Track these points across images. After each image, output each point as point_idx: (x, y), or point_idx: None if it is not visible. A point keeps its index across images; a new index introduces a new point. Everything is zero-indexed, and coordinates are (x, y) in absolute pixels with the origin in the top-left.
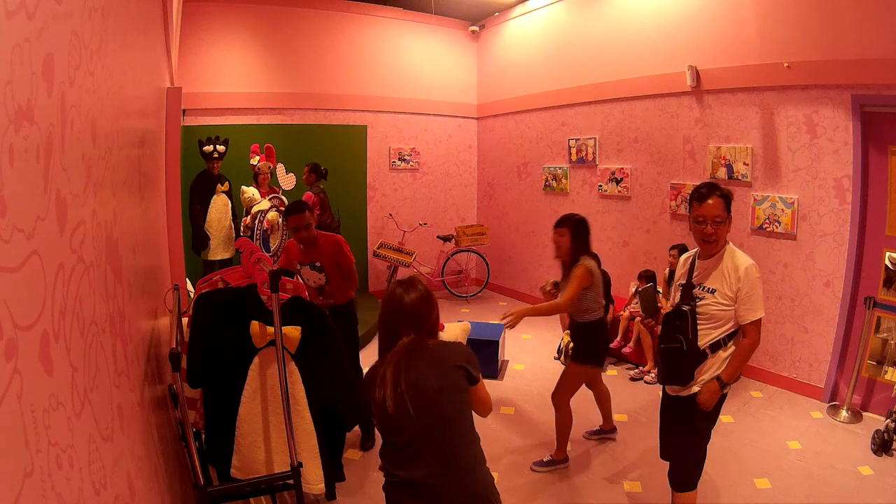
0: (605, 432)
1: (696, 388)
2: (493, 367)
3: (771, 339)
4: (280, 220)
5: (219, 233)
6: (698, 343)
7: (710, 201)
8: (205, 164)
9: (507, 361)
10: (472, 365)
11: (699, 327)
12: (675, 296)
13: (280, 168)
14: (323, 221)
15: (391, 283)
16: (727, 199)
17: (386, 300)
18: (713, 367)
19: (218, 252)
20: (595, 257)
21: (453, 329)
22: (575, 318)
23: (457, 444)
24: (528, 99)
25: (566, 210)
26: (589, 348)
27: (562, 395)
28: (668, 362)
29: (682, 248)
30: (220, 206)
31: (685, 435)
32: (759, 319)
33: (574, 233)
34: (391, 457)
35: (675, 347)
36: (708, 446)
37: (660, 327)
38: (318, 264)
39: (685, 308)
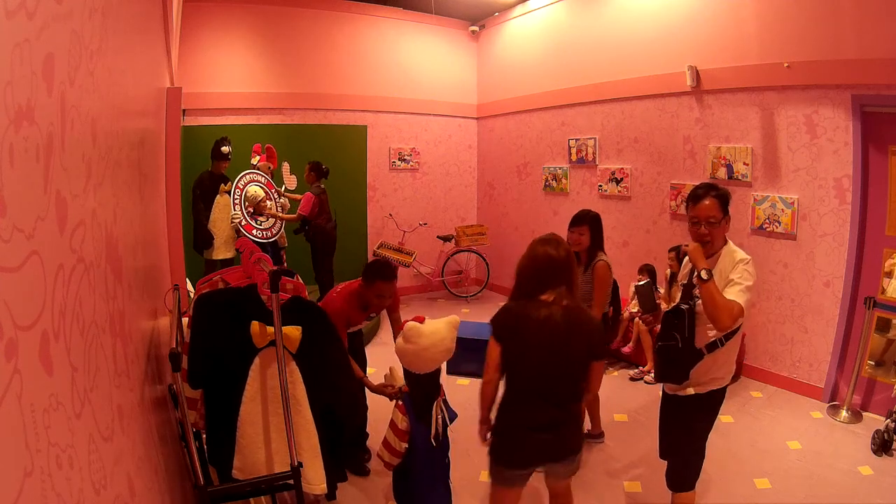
0: (593, 436)
1: (691, 390)
2: None
3: (771, 339)
4: (262, 196)
5: (222, 232)
6: (695, 342)
7: (705, 202)
8: (209, 164)
9: None
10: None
11: (697, 326)
12: (677, 296)
13: (285, 167)
14: (318, 224)
15: (534, 240)
16: (723, 199)
17: (534, 254)
18: (710, 370)
19: (221, 251)
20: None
21: (437, 324)
22: None
23: (572, 397)
24: (528, 99)
25: (566, 210)
26: None
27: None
28: (664, 360)
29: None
30: (222, 206)
31: (682, 435)
32: (741, 307)
33: (593, 230)
34: (526, 401)
35: (671, 345)
36: (708, 446)
37: (659, 326)
38: (373, 315)
39: (683, 307)
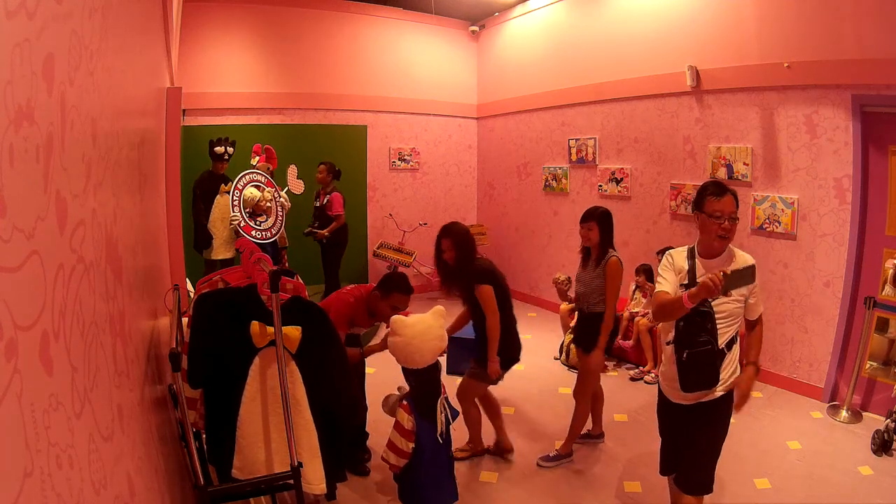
0: (593, 437)
1: (720, 392)
2: None
3: (771, 339)
4: (260, 197)
5: (221, 232)
6: (718, 344)
7: (728, 197)
8: (209, 164)
9: None
10: None
11: (717, 326)
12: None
13: (292, 170)
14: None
15: (452, 227)
16: (737, 197)
17: (467, 235)
18: (729, 366)
19: (220, 251)
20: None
21: (422, 315)
22: (586, 308)
23: None
24: (528, 99)
25: (566, 210)
26: (596, 338)
27: (583, 391)
28: (699, 367)
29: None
30: (222, 206)
31: (711, 436)
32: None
33: (602, 226)
34: (512, 323)
35: (707, 350)
36: None
37: (658, 326)
38: (376, 323)
39: (705, 309)
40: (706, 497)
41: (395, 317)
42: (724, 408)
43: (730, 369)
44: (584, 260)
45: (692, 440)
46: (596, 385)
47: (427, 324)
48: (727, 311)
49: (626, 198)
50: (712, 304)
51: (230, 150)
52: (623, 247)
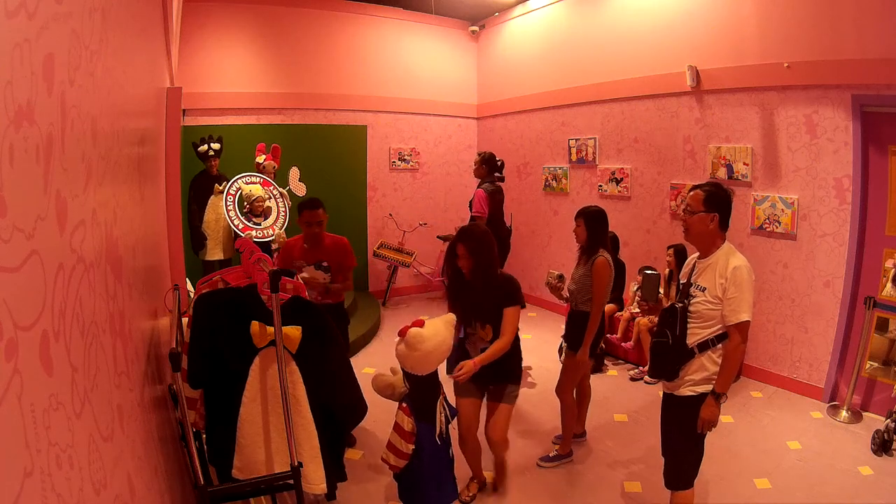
0: (576, 435)
1: (687, 392)
2: None
3: (771, 339)
4: (262, 195)
5: (216, 233)
6: (686, 340)
7: (690, 192)
8: (203, 165)
9: None
10: None
11: (689, 325)
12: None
13: (294, 172)
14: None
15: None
16: (708, 194)
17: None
18: (701, 370)
19: (216, 252)
20: (615, 241)
21: (437, 326)
22: (575, 306)
23: None
24: (528, 99)
25: (566, 210)
26: (581, 335)
27: (564, 389)
28: (655, 356)
29: (679, 248)
30: (217, 207)
31: (676, 433)
32: (745, 323)
33: (588, 225)
34: None
35: (662, 342)
36: (708, 446)
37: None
38: (324, 264)
39: (678, 305)
40: (707, 496)
41: (413, 330)
42: (687, 409)
43: (701, 373)
44: (579, 257)
45: (666, 430)
46: (576, 382)
47: (441, 336)
48: (696, 312)
49: (626, 198)
50: (690, 303)
51: (214, 145)
52: (623, 247)
